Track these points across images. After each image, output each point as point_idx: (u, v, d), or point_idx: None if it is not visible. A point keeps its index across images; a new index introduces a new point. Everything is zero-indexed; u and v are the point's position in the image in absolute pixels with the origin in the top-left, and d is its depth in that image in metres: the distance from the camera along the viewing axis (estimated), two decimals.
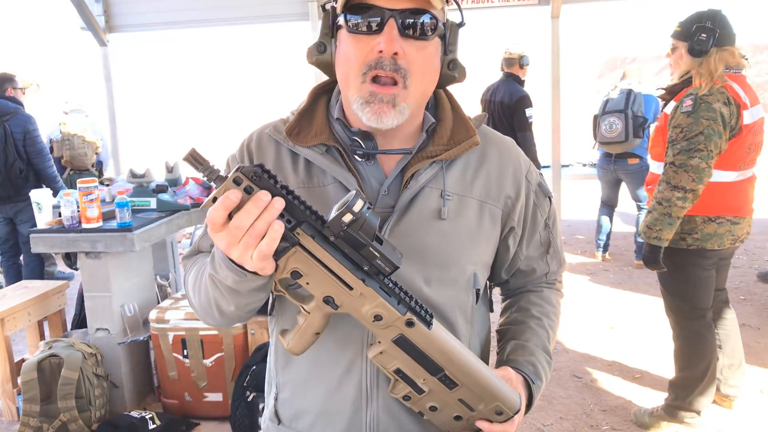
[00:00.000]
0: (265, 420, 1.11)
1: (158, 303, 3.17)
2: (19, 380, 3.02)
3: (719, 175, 2.38)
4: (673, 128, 2.38)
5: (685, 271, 2.52)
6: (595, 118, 4.77)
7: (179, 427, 2.77)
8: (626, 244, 5.83)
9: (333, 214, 0.79)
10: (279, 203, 0.75)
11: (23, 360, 3.12)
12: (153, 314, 2.85)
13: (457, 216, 0.97)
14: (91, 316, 2.91)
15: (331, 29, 0.95)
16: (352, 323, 0.91)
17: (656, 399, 2.90)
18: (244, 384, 2.56)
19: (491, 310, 1.12)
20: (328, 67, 0.98)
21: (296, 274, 0.82)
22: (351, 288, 0.83)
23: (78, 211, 2.80)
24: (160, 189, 3.16)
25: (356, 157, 0.98)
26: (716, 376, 2.63)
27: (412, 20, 0.88)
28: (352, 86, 0.91)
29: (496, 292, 1.21)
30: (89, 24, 5.61)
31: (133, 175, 3.19)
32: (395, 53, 0.87)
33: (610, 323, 3.98)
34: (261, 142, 1.04)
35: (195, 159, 0.75)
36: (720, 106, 2.28)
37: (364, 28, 0.88)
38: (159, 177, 3.39)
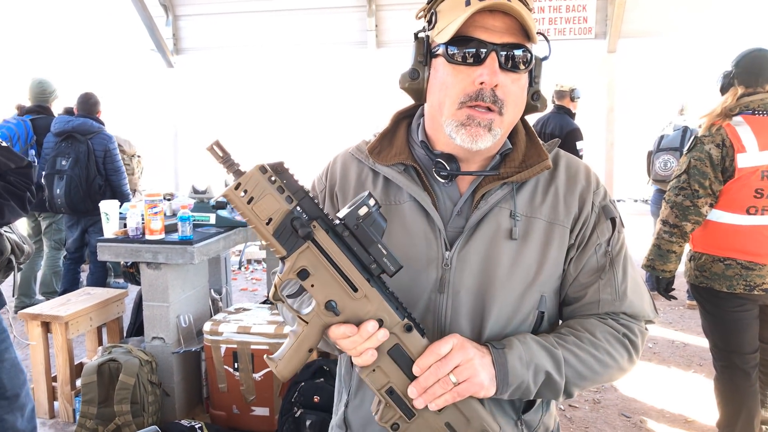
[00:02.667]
0: (332, 427, 1.15)
1: (211, 316, 3.27)
2: (77, 383, 3.16)
3: (723, 216, 2.36)
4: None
5: (707, 310, 2.52)
6: (650, 154, 4.72)
7: None
8: (679, 283, 5.65)
9: (346, 210, 0.85)
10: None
11: (82, 363, 3.27)
12: (207, 326, 2.94)
13: (526, 236, 1.00)
14: (148, 324, 3.02)
15: (425, 57, 0.99)
16: (427, 330, 0.95)
17: None
18: (292, 400, 2.60)
19: None
20: (417, 94, 1.03)
21: (304, 274, 0.85)
22: (356, 290, 0.86)
23: (142, 223, 2.94)
24: (220, 205, 3.29)
25: (438, 178, 1.03)
26: (755, 429, 2.51)
27: (511, 54, 0.93)
28: (447, 112, 0.96)
29: None
30: (159, 46, 5.91)
31: (195, 191, 3.33)
32: (495, 85, 0.93)
33: (660, 363, 3.88)
34: (345, 161, 1.11)
35: (219, 149, 0.81)
36: (711, 147, 2.32)
37: (466, 60, 0.93)
38: (218, 193, 3.53)
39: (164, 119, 6.07)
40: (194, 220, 3.17)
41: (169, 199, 3.75)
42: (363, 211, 0.84)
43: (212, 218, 3.23)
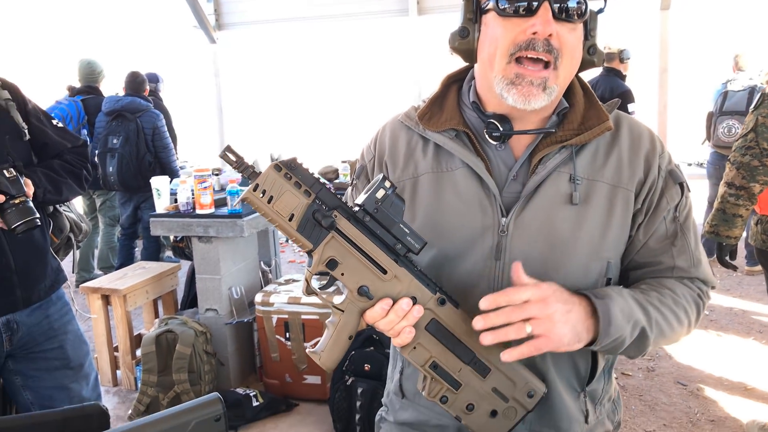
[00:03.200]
0: (388, 394, 1.16)
1: (261, 287, 3.34)
2: (138, 353, 3.29)
3: None
4: (743, 125, 2.33)
5: None
6: (710, 116, 4.45)
7: (280, 407, 2.91)
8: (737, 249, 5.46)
9: (364, 195, 0.86)
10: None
11: (140, 335, 3.39)
12: (258, 297, 3.00)
13: (587, 201, 0.96)
14: (202, 296, 3.10)
15: (475, 14, 0.96)
16: (476, 304, 0.93)
17: None
18: (343, 368, 2.64)
19: None
20: (468, 54, 1.00)
21: (333, 264, 0.86)
22: (385, 272, 0.87)
23: (192, 198, 2.99)
24: None
25: (490, 140, 1.00)
26: None
27: (565, 5, 0.89)
28: (497, 67, 0.93)
29: None
30: (201, 22, 5.96)
31: None
32: (549, 35, 0.89)
33: (717, 330, 3.77)
34: (394, 130, 1.09)
35: (231, 154, 0.83)
36: None
37: (518, 12, 0.89)
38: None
39: (208, 95, 6.15)
40: None
41: (217, 174, 3.81)
42: (380, 194, 0.85)
43: None
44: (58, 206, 1.76)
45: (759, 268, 4.56)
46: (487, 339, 0.86)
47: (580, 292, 0.91)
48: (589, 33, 0.96)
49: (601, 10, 0.97)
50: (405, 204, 0.87)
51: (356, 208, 0.88)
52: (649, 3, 4.82)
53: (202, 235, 2.97)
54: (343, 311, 0.89)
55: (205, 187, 2.91)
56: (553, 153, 0.97)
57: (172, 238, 4.95)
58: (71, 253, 1.79)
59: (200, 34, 6.14)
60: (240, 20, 6.06)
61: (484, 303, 0.85)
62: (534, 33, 0.88)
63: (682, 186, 1.01)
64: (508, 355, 0.86)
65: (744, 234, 4.84)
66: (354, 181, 1.15)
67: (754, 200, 2.31)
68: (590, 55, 0.97)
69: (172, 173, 4.78)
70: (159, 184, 3.08)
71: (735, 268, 2.45)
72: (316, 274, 0.89)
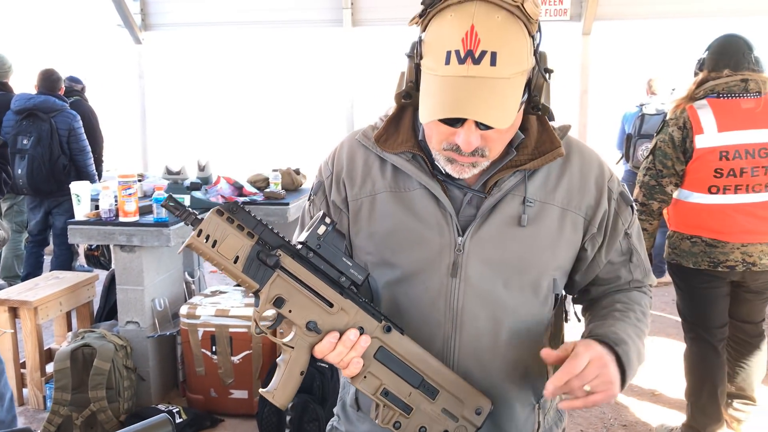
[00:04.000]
0: (344, 405, 1.15)
1: (186, 300, 3.22)
2: (48, 369, 3.09)
3: (688, 196, 2.47)
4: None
5: (678, 286, 2.63)
6: (629, 138, 4.67)
7: (204, 423, 2.81)
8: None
9: (306, 233, 0.89)
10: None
11: (50, 350, 3.18)
12: (184, 309, 2.89)
13: (539, 222, 1.01)
14: (122, 308, 2.96)
15: (415, 83, 0.95)
16: (434, 320, 0.99)
17: (675, 417, 2.91)
18: None
19: (566, 320, 1.15)
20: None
21: (279, 302, 0.88)
22: (331, 305, 0.90)
23: (116, 205, 2.85)
24: (194, 186, 3.22)
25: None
26: (720, 402, 2.60)
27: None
28: (433, 145, 0.97)
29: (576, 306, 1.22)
30: (126, 22, 5.71)
31: (169, 171, 3.25)
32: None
33: None
34: (352, 148, 1.10)
35: (172, 202, 0.84)
36: (674, 129, 2.43)
37: (445, 119, 0.89)
38: (192, 175, 3.45)
39: (132, 98, 5.89)
40: None
41: (139, 181, 3.65)
42: (322, 230, 0.88)
43: (187, 200, 3.15)
44: None
45: (664, 279, 4.89)
46: (564, 404, 0.93)
47: (601, 340, 0.97)
48: (532, 94, 0.94)
49: (549, 72, 0.96)
50: (346, 238, 0.91)
51: (299, 246, 0.90)
52: (571, 28, 5.08)
53: (125, 244, 2.84)
54: (293, 347, 0.90)
55: (130, 194, 2.79)
56: (507, 177, 1.01)
57: (85, 246, 4.71)
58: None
59: (125, 33, 5.88)
60: (168, 21, 5.85)
61: (550, 388, 0.90)
62: (456, 144, 0.91)
63: (632, 207, 1.09)
64: (566, 404, 0.92)
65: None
66: (311, 197, 1.15)
67: (654, 216, 2.52)
68: (533, 111, 0.97)
69: (89, 178, 4.53)
70: (79, 189, 2.92)
71: (662, 275, 2.66)
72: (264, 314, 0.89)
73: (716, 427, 2.60)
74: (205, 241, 0.84)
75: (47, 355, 3.11)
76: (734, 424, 2.76)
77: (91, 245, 4.63)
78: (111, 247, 2.99)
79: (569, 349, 0.93)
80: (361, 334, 0.91)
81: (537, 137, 1.03)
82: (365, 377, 0.94)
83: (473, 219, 1.01)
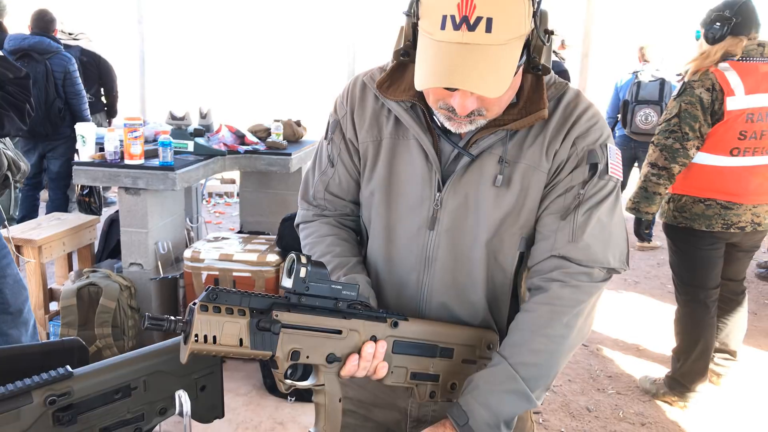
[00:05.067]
0: None
1: (187, 245, 3.27)
2: (51, 306, 3.14)
3: (706, 158, 2.50)
4: (665, 111, 2.57)
5: (679, 248, 2.69)
6: (626, 104, 4.71)
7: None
8: (628, 226, 5.97)
9: (289, 282, 0.88)
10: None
11: (51, 289, 3.23)
12: (188, 253, 2.94)
13: (510, 181, 1.02)
14: (126, 250, 3.00)
15: (412, 42, 0.95)
16: (410, 264, 1.07)
17: (658, 370, 3.07)
18: None
19: None
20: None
21: (296, 355, 0.88)
22: (340, 332, 0.92)
23: (121, 148, 2.87)
24: (198, 133, 3.23)
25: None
26: (708, 359, 2.74)
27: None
28: (431, 103, 0.98)
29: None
30: None
31: (173, 117, 3.25)
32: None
33: (613, 301, 4.14)
34: (363, 88, 1.11)
35: (155, 321, 0.79)
36: (702, 92, 2.42)
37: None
38: (195, 121, 3.46)
39: (130, 43, 5.75)
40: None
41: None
42: (303, 272, 0.87)
43: (190, 146, 3.18)
44: None
45: (648, 244, 5.03)
46: None
47: (449, 418, 0.98)
48: (531, 57, 0.93)
49: (550, 35, 0.93)
50: (326, 267, 0.90)
51: (287, 294, 0.89)
52: None
53: (129, 187, 2.86)
54: (323, 385, 0.93)
55: (136, 137, 2.80)
56: (488, 134, 1.01)
57: (78, 191, 4.70)
58: (7, 193, 1.69)
59: None
60: None
61: None
62: (451, 106, 0.93)
63: (594, 167, 1.00)
64: None
65: None
66: (330, 136, 1.15)
67: (672, 180, 2.53)
68: (532, 71, 0.95)
69: (84, 122, 4.50)
70: (84, 130, 2.92)
71: (650, 240, 2.71)
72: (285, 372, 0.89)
73: (700, 381, 2.74)
74: (204, 342, 0.80)
75: (49, 294, 3.16)
76: (714, 378, 2.92)
77: (83, 190, 4.64)
78: (111, 191, 3.01)
79: None
80: (375, 341, 0.95)
81: (528, 96, 1.01)
82: (392, 372, 0.99)
83: (453, 174, 1.03)
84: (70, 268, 3.44)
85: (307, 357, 0.89)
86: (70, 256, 3.43)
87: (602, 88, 5.16)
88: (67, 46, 4.68)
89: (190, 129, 3.25)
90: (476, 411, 0.96)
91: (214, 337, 0.80)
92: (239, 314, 0.83)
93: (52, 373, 0.72)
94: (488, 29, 0.83)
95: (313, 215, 1.19)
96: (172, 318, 0.80)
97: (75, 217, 3.43)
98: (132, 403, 0.78)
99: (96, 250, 3.58)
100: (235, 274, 2.90)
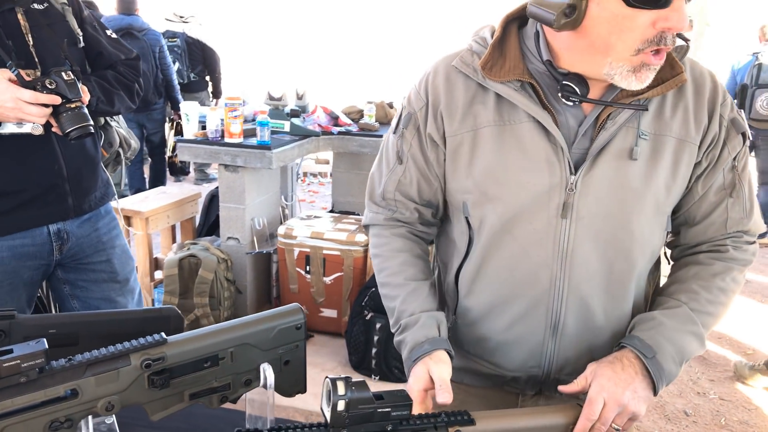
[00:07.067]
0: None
1: (281, 222, 3.38)
2: (156, 275, 3.35)
3: None
4: None
5: None
6: (744, 88, 4.34)
7: None
8: None
9: (327, 412, 0.77)
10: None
11: (157, 258, 3.45)
12: (282, 230, 3.04)
13: (656, 156, 0.94)
14: (224, 225, 3.14)
15: None
16: (541, 260, 0.97)
17: None
18: (363, 303, 2.71)
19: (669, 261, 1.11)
20: (570, 26, 0.87)
21: None
22: None
23: (222, 126, 2.99)
24: (294, 113, 3.31)
25: (564, 101, 0.95)
26: None
27: None
28: (617, 56, 0.86)
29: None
30: None
31: (270, 97, 3.35)
32: None
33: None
34: (449, 75, 1.00)
35: None
36: None
37: (649, 1, 0.81)
38: (292, 101, 3.55)
39: (235, 23, 6.00)
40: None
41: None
42: (342, 405, 0.76)
43: (287, 126, 3.26)
44: (109, 119, 1.76)
45: (765, 240, 4.63)
46: None
47: (632, 350, 0.95)
48: None
49: None
50: (368, 389, 0.78)
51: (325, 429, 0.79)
52: None
53: (229, 164, 2.98)
54: None
55: (236, 116, 2.91)
56: (621, 108, 0.92)
57: (169, 152, 5.07)
58: (119, 169, 1.81)
59: None
60: None
61: None
62: (667, 27, 0.82)
63: (744, 135, 0.98)
64: None
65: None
66: (402, 130, 1.05)
67: None
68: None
69: (176, 92, 4.92)
70: (188, 109, 3.07)
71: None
72: None
73: None
74: None
75: (155, 263, 3.37)
76: None
77: (173, 153, 5.02)
78: (212, 167, 3.15)
79: (584, 383, 0.94)
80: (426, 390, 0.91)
81: None
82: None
83: (586, 153, 0.94)
84: (174, 240, 3.65)
85: None
86: (174, 228, 3.64)
87: (718, 70, 4.77)
88: (172, 33, 5.06)
89: (287, 110, 3.33)
90: (663, 346, 0.95)
91: None
92: None
93: (149, 339, 0.76)
94: None
95: (384, 219, 1.11)
96: None
97: (179, 191, 3.63)
98: (219, 373, 0.80)
99: (197, 224, 3.79)
100: (325, 252, 2.96)
